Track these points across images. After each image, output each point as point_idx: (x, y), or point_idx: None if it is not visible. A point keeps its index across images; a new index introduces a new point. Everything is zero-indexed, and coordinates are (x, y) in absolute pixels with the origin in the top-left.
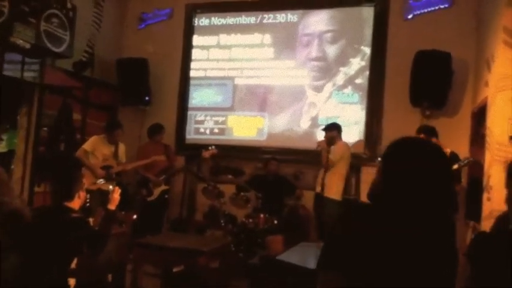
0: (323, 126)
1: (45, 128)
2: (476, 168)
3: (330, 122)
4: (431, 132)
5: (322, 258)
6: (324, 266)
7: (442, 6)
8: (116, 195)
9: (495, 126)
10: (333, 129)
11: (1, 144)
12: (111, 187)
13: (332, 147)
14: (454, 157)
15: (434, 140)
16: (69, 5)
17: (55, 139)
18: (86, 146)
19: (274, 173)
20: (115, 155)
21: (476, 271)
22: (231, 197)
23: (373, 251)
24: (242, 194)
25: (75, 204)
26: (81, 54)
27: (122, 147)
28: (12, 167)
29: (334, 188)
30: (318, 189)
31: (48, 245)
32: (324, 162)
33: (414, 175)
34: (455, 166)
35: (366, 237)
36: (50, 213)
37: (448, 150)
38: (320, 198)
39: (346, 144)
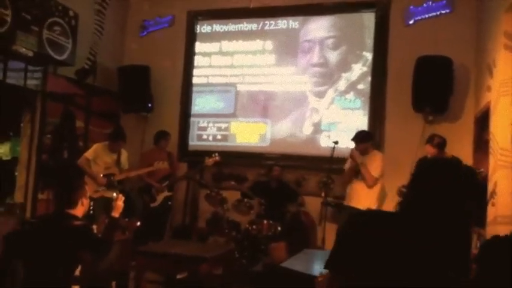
0: (331, 133)
1: (48, 136)
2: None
3: (332, 128)
4: (441, 146)
5: (331, 258)
6: (332, 265)
7: (443, 12)
8: (120, 202)
9: (498, 131)
10: (365, 141)
11: (2, 151)
12: (114, 195)
13: (363, 158)
14: None
15: (442, 152)
16: (71, 13)
17: (58, 146)
18: (88, 154)
19: (277, 179)
20: (117, 162)
21: (484, 273)
22: (234, 204)
23: (381, 255)
24: (246, 200)
25: (78, 211)
26: (84, 61)
27: (124, 154)
28: (16, 174)
29: (369, 200)
30: (348, 200)
31: (52, 252)
32: (367, 180)
33: (442, 193)
34: None
35: (374, 240)
36: (53, 220)
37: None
38: (348, 209)
39: (381, 155)
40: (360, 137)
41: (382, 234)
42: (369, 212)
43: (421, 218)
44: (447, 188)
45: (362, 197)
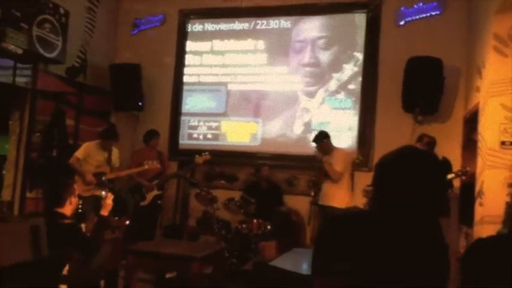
0: (314, 134)
1: (37, 134)
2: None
3: (323, 127)
4: (431, 145)
5: (315, 264)
6: (317, 271)
7: (433, 13)
8: (109, 201)
9: (486, 131)
10: (322, 139)
11: None
12: (103, 193)
13: (328, 156)
14: (446, 163)
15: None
16: (61, 11)
17: (47, 145)
18: (79, 153)
19: (266, 178)
20: (108, 160)
21: (473, 275)
22: (225, 203)
23: (365, 254)
24: (236, 199)
25: (67, 210)
26: (74, 59)
27: (115, 152)
28: (4, 172)
29: (341, 196)
30: (323, 200)
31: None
32: (331, 175)
33: (408, 184)
34: (451, 175)
35: (357, 241)
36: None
37: (439, 157)
38: (325, 209)
39: (344, 151)
40: (315, 138)
41: (362, 235)
42: (345, 213)
43: (393, 214)
44: (410, 180)
45: (333, 196)
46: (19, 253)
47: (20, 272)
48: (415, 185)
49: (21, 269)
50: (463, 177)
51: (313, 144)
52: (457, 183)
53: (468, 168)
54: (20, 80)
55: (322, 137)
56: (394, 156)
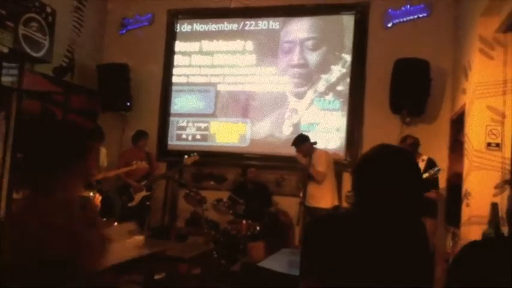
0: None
1: None
2: (455, 175)
3: (311, 128)
4: (414, 146)
5: (303, 265)
6: (305, 272)
7: (420, 15)
8: (96, 202)
9: (473, 133)
10: (301, 142)
11: None
12: (91, 194)
13: (309, 158)
14: (432, 164)
15: (415, 152)
16: (48, 9)
17: None
18: None
19: (253, 180)
20: (96, 161)
21: (462, 280)
22: (213, 204)
23: (349, 255)
24: (225, 200)
25: None
26: (61, 59)
27: (103, 151)
28: None
29: (326, 197)
30: (309, 202)
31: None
32: (315, 176)
33: (386, 182)
34: (426, 175)
35: (343, 242)
36: None
37: (425, 157)
38: (311, 211)
39: (325, 152)
40: (295, 141)
41: (346, 235)
42: (330, 215)
43: (374, 215)
44: (388, 179)
45: (318, 197)
46: None
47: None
48: (393, 183)
49: None
50: (436, 176)
51: (294, 148)
52: (443, 184)
53: (439, 168)
54: (6, 80)
55: (302, 141)
56: (370, 157)
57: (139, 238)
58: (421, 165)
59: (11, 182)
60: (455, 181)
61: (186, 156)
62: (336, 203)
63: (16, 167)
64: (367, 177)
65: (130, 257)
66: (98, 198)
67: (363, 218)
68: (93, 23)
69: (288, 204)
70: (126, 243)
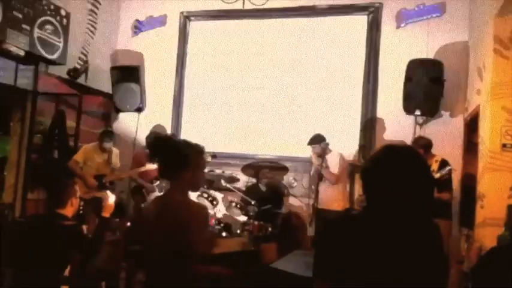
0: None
1: (38, 135)
2: (470, 176)
3: (324, 130)
4: (427, 147)
5: (316, 266)
6: (318, 273)
7: (434, 15)
8: (110, 203)
9: (487, 134)
10: (318, 142)
11: None
12: (105, 195)
13: (323, 159)
14: (445, 164)
15: (428, 154)
16: (63, 12)
17: (48, 146)
18: (77, 157)
19: (266, 181)
20: (108, 162)
21: (484, 285)
22: (226, 205)
23: (362, 256)
24: (237, 201)
25: (68, 211)
26: (75, 61)
27: (115, 152)
28: (5, 173)
29: (337, 199)
30: (320, 203)
31: (41, 251)
32: (328, 178)
33: (394, 183)
34: (438, 175)
35: (356, 244)
36: (43, 220)
37: (438, 158)
38: (322, 212)
39: (340, 154)
40: (311, 140)
41: (359, 237)
42: (343, 216)
43: (385, 215)
44: (396, 179)
45: (329, 199)
46: None
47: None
48: (401, 183)
49: None
50: (448, 177)
51: (310, 147)
52: (456, 185)
53: (450, 167)
54: (22, 82)
55: (318, 140)
56: (376, 158)
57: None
58: (435, 166)
59: (25, 183)
60: (469, 183)
61: None
62: (347, 206)
63: (30, 169)
64: (374, 179)
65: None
66: (112, 199)
67: (374, 219)
68: (106, 25)
69: (300, 206)
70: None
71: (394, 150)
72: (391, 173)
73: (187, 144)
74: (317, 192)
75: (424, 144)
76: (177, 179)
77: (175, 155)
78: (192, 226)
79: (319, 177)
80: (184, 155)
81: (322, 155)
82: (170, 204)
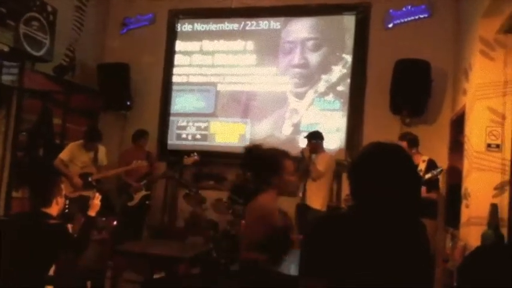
0: (305, 133)
1: (23, 133)
2: (455, 175)
3: (311, 129)
4: (413, 142)
5: (304, 265)
6: (306, 272)
7: (421, 16)
8: (97, 201)
9: (473, 134)
10: (318, 138)
11: None
12: (91, 193)
13: (314, 155)
14: (432, 164)
15: (414, 150)
16: (49, 8)
17: (34, 144)
18: (63, 155)
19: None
20: (94, 160)
21: (470, 284)
22: (213, 203)
23: (350, 255)
24: (224, 200)
25: (53, 210)
26: (62, 58)
27: (102, 150)
28: None
29: (320, 199)
30: (302, 199)
31: (25, 251)
32: (312, 172)
33: (381, 179)
34: (429, 175)
35: (344, 242)
36: (27, 219)
37: (425, 158)
38: (304, 209)
39: (331, 155)
40: (311, 135)
41: (346, 236)
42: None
43: (372, 214)
44: (382, 176)
45: (313, 197)
46: None
47: None
48: (386, 180)
49: None
50: (439, 176)
51: (305, 140)
52: (442, 184)
53: (441, 168)
54: (7, 78)
55: (317, 137)
56: (361, 156)
57: None
58: (422, 166)
59: (10, 181)
60: (455, 182)
61: (186, 157)
62: (325, 207)
63: (15, 166)
64: (361, 175)
65: None
66: (98, 197)
67: (362, 217)
68: (94, 22)
69: (287, 205)
70: None
71: (381, 146)
72: (378, 168)
73: (274, 150)
74: (304, 188)
75: (409, 138)
76: (269, 185)
77: (265, 163)
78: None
79: (306, 171)
80: (274, 162)
81: (314, 151)
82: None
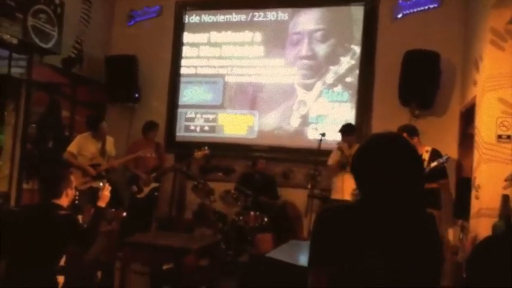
0: (314, 125)
1: (33, 125)
2: (465, 167)
3: (320, 120)
4: (412, 131)
5: (313, 255)
6: (315, 261)
7: (431, 6)
8: (106, 192)
9: (483, 125)
10: (351, 132)
11: None
12: (101, 184)
13: (350, 150)
14: (436, 154)
15: (415, 139)
16: (57, 1)
17: (43, 136)
18: (71, 147)
19: (262, 171)
20: (102, 151)
21: (478, 276)
22: (221, 195)
23: (359, 243)
24: (233, 192)
25: (63, 201)
26: (70, 50)
27: (110, 141)
28: (0, 163)
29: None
30: (336, 195)
31: (36, 242)
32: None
33: (383, 168)
34: (434, 164)
35: (351, 231)
36: (37, 210)
37: (428, 148)
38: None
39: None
40: (346, 129)
41: (355, 225)
42: (339, 205)
43: (378, 204)
44: (386, 166)
45: (350, 189)
46: None
47: None
48: (390, 169)
49: None
50: (445, 164)
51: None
52: (453, 177)
53: (449, 155)
54: (15, 71)
55: (352, 130)
56: (364, 147)
57: None
58: (425, 156)
59: (20, 173)
60: (465, 174)
61: (196, 150)
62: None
63: (25, 158)
64: (363, 169)
65: None
66: (108, 188)
67: (368, 206)
68: (101, 15)
69: (296, 196)
70: None
71: (380, 136)
72: (379, 158)
73: None
74: (316, 182)
75: (408, 129)
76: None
77: None
78: None
79: (342, 167)
80: None
81: (352, 144)
82: None
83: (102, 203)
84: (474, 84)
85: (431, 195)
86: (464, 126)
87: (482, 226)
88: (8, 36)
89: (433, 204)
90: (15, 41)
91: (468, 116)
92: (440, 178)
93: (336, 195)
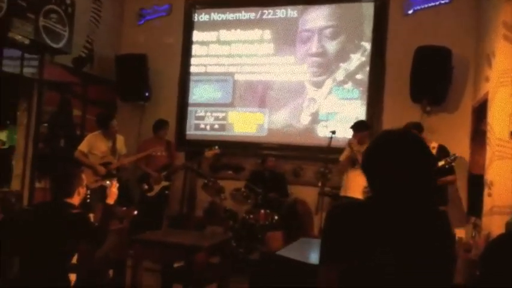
0: (324, 123)
1: (44, 124)
2: (477, 164)
3: (330, 118)
4: (417, 128)
5: (324, 252)
6: (326, 258)
7: (442, 2)
8: (114, 189)
9: (496, 121)
10: (364, 129)
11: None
12: (108, 182)
13: (361, 147)
14: (443, 150)
15: (421, 135)
16: (67, 1)
17: (55, 135)
18: (82, 147)
19: (271, 169)
20: (113, 149)
21: (491, 273)
22: (232, 193)
23: (371, 241)
24: (243, 189)
25: (75, 200)
26: (80, 50)
27: (120, 139)
28: (13, 162)
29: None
30: (347, 191)
31: (49, 240)
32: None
33: (393, 165)
34: (442, 162)
35: (362, 228)
36: (50, 209)
37: (435, 145)
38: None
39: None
40: (357, 126)
41: (366, 222)
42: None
43: (389, 201)
44: (396, 162)
45: (361, 187)
46: None
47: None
48: (401, 165)
49: None
50: (453, 164)
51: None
52: (464, 174)
53: (457, 155)
54: (27, 71)
55: (365, 127)
56: (373, 143)
57: None
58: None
59: (33, 172)
60: (477, 171)
61: (207, 150)
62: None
63: (38, 157)
64: (374, 166)
65: None
66: (116, 185)
67: (379, 203)
68: (111, 14)
69: (306, 194)
70: None
71: (389, 133)
72: (389, 154)
73: None
74: (326, 180)
75: (413, 126)
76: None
77: None
78: None
79: (352, 163)
80: None
81: (363, 142)
82: None
83: (110, 200)
84: (486, 80)
85: (437, 191)
86: (476, 123)
87: (495, 224)
88: (20, 37)
89: (440, 200)
90: (27, 42)
91: (480, 112)
92: (447, 174)
93: (346, 193)
